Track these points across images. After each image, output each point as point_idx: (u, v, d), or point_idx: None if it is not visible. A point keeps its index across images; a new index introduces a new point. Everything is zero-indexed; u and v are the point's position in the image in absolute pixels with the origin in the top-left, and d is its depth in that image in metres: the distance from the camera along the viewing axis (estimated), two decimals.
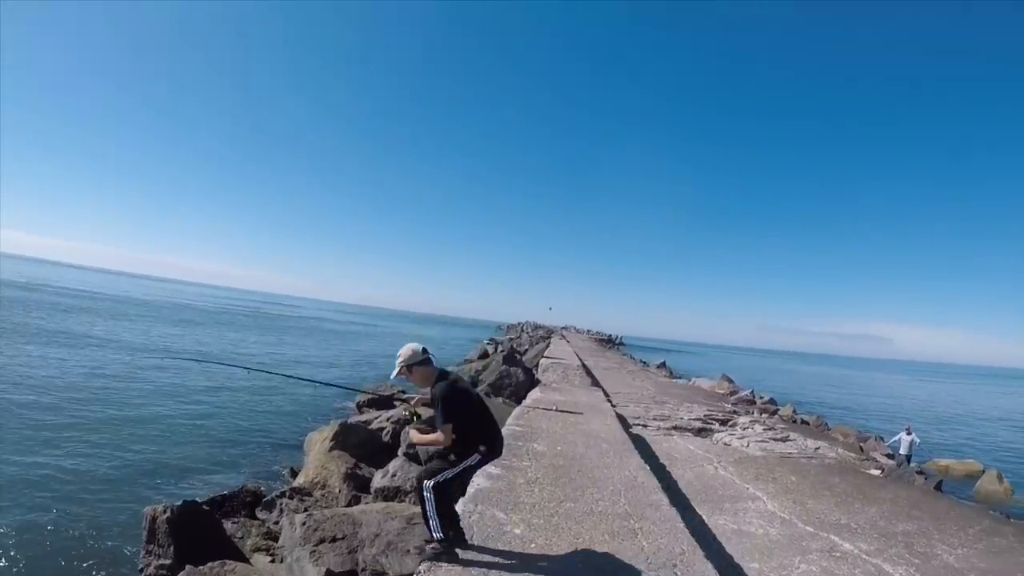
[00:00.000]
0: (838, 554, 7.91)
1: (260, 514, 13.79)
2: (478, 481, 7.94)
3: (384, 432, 18.57)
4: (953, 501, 12.61)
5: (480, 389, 21.61)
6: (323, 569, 9.24)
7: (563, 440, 11.17)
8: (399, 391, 31.41)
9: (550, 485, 8.11)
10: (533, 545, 5.86)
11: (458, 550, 5.56)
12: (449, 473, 5.48)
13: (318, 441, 17.33)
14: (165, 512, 9.87)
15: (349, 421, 20.68)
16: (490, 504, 6.99)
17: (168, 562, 9.59)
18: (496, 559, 5.47)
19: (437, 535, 5.52)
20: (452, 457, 5.55)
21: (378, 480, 14.53)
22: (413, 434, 5.93)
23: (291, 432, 24.21)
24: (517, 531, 6.19)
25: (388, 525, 10.12)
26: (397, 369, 5.86)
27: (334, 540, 10.05)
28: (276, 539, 11.53)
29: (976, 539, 8.96)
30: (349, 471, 14.92)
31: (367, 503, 13.27)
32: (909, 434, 22.92)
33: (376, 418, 21.89)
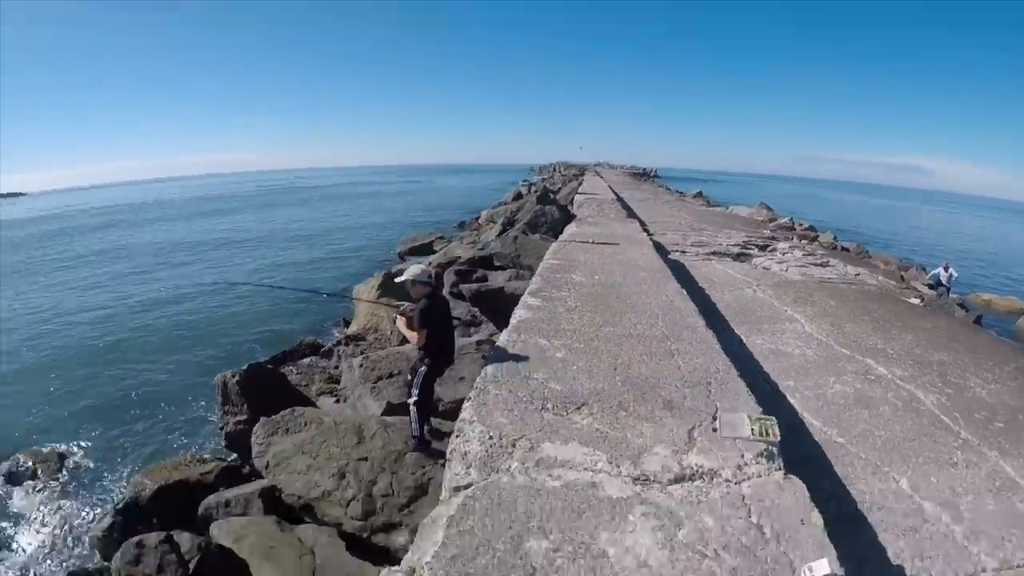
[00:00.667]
0: (872, 377, 7.98)
1: (321, 362, 14.64)
2: (520, 313, 8.28)
3: (427, 276, 19.23)
4: (992, 336, 12.29)
5: (517, 228, 21.93)
6: (383, 402, 9.95)
7: (601, 270, 11.38)
8: (438, 236, 32.05)
9: (589, 312, 8.36)
10: (575, 367, 6.17)
11: (432, 441, 7.55)
12: (415, 390, 7.27)
13: (365, 292, 18.02)
14: (234, 376, 10.58)
15: (392, 270, 21.40)
16: (532, 332, 7.26)
17: (244, 417, 10.27)
18: (540, 378, 5.83)
19: (415, 435, 7.44)
20: (419, 356, 7.21)
21: None
22: (399, 321, 7.38)
23: (338, 287, 25.06)
24: (559, 355, 6.49)
25: None
26: (405, 277, 7.22)
27: (391, 376, 10.74)
28: (338, 382, 12.32)
29: (1011, 376, 8.67)
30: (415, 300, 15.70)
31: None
32: (947, 270, 22.74)
33: (418, 264, 22.67)
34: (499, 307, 13.70)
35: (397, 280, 7.52)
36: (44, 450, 13.42)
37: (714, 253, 16.46)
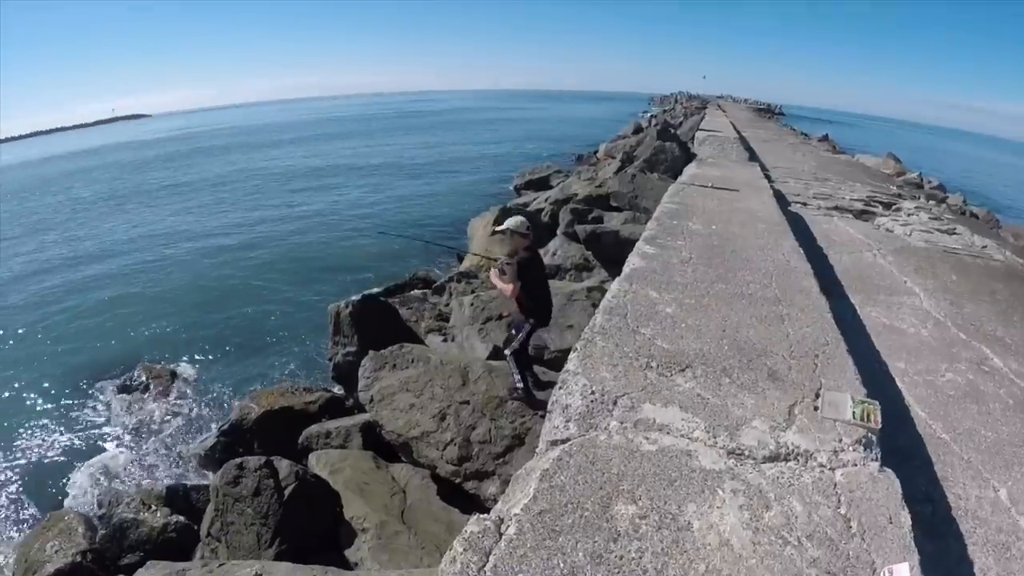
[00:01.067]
0: (987, 369, 7.39)
1: (432, 298, 15.01)
2: (633, 261, 8.14)
3: (543, 212, 19.10)
4: None
5: (635, 165, 21.56)
6: (490, 345, 10.23)
7: (718, 218, 11.07)
8: (555, 170, 31.78)
9: (703, 265, 8.17)
10: (683, 325, 6.08)
11: (535, 392, 7.74)
12: (516, 343, 7.50)
13: (480, 226, 18.25)
14: (347, 307, 11.00)
15: (508, 205, 21.51)
16: (644, 283, 7.16)
17: (353, 349, 10.71)
18: (648, 334, 5.79)
19: (519, 384, 7.64)
20: (513, 317, 7.66)
21: None
22: (492, 274, 7.61)
23: (453, 220, 25.53)
24: (668, 310, 6.39)
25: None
26: (504, 227, 7.38)
27: (500, 318, 10.98)
28: (447, 320, 12.63)
29: None
30: (511, 252, 15.75)
31: None
32: None
33: (534, 199, 22.55)
34: (612, 251, 13.68)
35: (496, 229, 7.81)
36: (157, 366, 14.47)
37: (836, 208, 15.71)
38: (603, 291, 11.22)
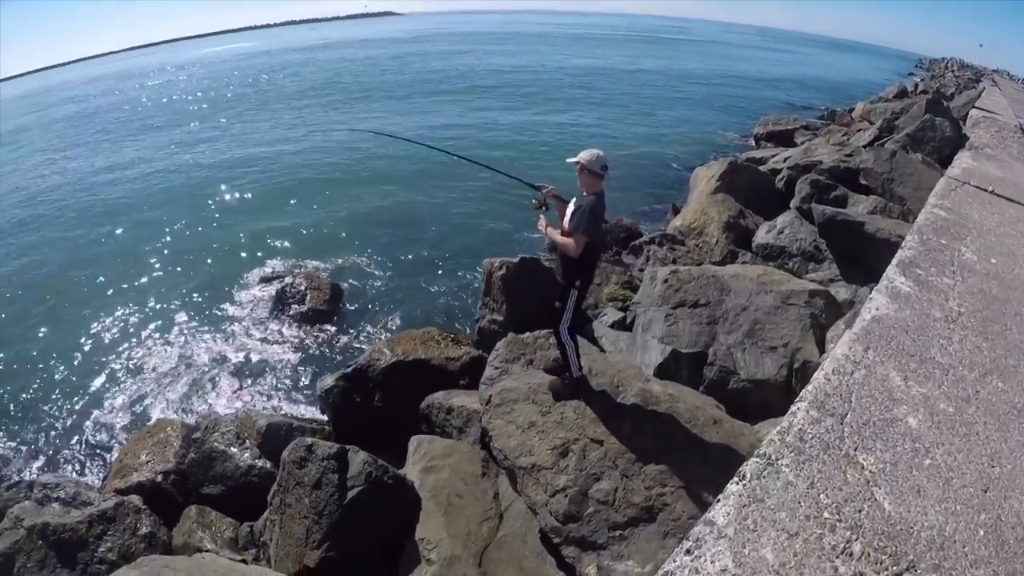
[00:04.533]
0: None
1: (627, 257, 12.58)
2: (878, 302, 5.51)
3: (779, 177, 15.73)
4: None
5: (896, 139, 17.52)
6: (669, 348, 7.84)
7: (999, 247, 7.84)
8: (802, 125, 27.15)
9: (974, 333, 5.31)
10: (928, 459, 3.61)
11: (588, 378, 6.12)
12: (570, 314, 5.68)
13: (703, 179, 15.20)
14: (500, 268, 9.05)
15: (740, 159, 18.15)
16: (886, 352, 4.63)
17: (499, 319, 8.95)
18: (868, 470, 3.42)
19: (576, 373, 5.91)
20: (564, 275, 5.63)
21: (762, 235, 12.45)
22: (550, 230, 5.67)
23: (681, 161, 22.10)
24: (912, 421, 3.90)
25: (760, 300, 8.23)
26: (576, 159, 5.46)
27: (695, 306, 8.47)
28: (635, 290, 10.27)
29: None
30: (731, 220, 12.90)
31: (744, 262, 11.39)
32: None
33: (772, 157, 18.97)
34: (851, 246, 10.74)
35: (568, 160, 5.50)
36: (322, 276, 13.32)
37: None
38: (828, 298, 8.54)
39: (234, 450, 7.59)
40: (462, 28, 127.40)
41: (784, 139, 24.84)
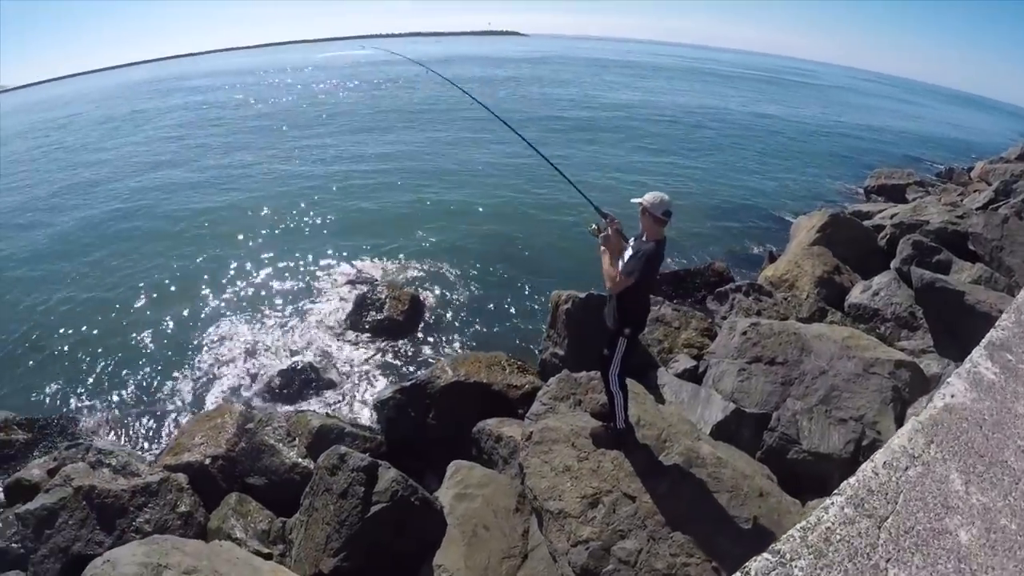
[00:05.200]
0: None
1: (711, 303, 12.06)
2: (955, 388, 4.89)
3: (882, 234, 14.80)
4: None
5: (1011, 204, 16.41)
6: (731, 406, 7.36)
7: None
8: (915, 181, 25.24)
9: None
10: None
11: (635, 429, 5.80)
12: (618, 363, 5.42)
13: (804, 229, 14.48)
14: (567, 302, 8.80)
15: (845, 211, 17.22)
16: (953, 447, 4.11)
17: (561, 353, 8.65)
18: None
19: (621, 423, 5.62)
20: (616, 321, 5.39)
21: (856, 294, 11.71)
22: (606, 256, 5.30)
23: (787, 208, 20.97)
24: (963, 536, 3.38)
25: (840, 365, 7.66)
26: (638, 200, 5.22)
27: (771, 363, 7.98)
28: (713, 338, 9.77)
29: None
30: (825, 275, 12.18)
31: (832, 322, 10.69)
32: None
33: (879, 212, 17.88)
34: (948, 317, 9.88)
35: (632, 200, 5.25)
36: (404, 287, 13.32)
37: None
38: (915, 370, 7.83)
39: (282, 446, 7.67)
40: (581, 54, 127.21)
41: (895, 194, 23.39)
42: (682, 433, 5.93)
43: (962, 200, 20.02)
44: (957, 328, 9.68)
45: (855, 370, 7.71)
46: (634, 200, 5.23)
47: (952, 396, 4.76)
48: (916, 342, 10.51)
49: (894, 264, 12.22)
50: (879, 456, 3.95)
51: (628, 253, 5.18)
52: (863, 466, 3.88)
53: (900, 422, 7.09)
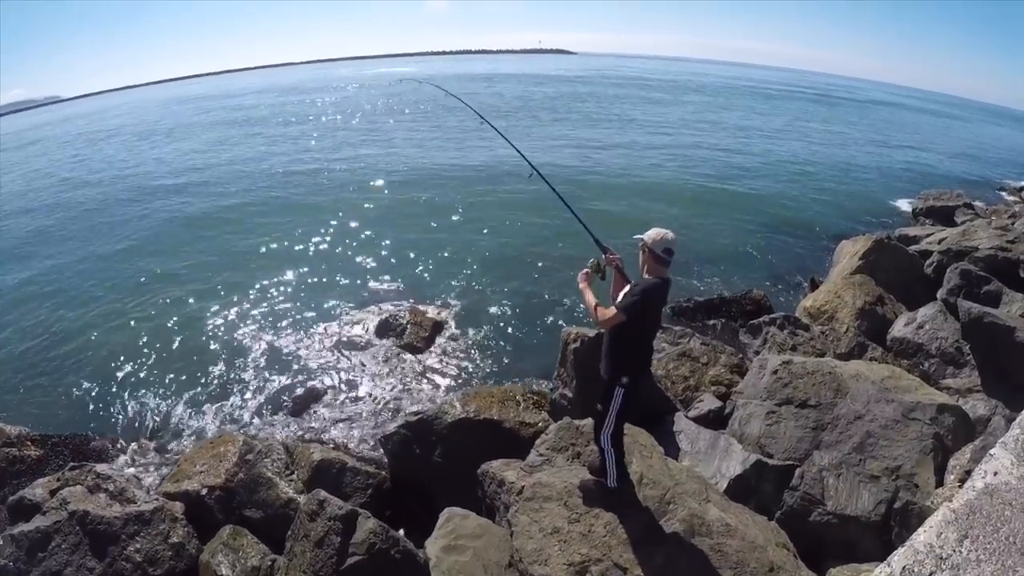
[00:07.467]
0: None
1: (743, 336, 11.30)
2: (999, 464, 3.85)
3: (928, 262, 13.75)
4: None
5: None
6: (753, 458, 6.64)
7: None
8: (965, 203, 23.44)
9: None
10: None
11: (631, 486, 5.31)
12: (613, 421, 4.92)
13: (847, 255, 13.54)
14: (575, 341, 8.11)
15: (892, 236, 16.16)
16: (991, 543, 3.22)
17: (569, 395, 8.05)
18: None
19: (613, 484, 5.18)
20: (610, 368, 4.86)
21: (899, 327, 10.82)
22: (588, 292, 4.95)
23: (831, 231, 19.63)
24: None
25: (878, 409, 6.96)
26: (640, 236, 4.81)
27: (803, 405, 7.25)
28: (743, 375, 9.03)
29: None
30: (867, 306, 11.30)
31: (872, 358, 9.81)
32: None
33: (927, 236, 16.70)
34: (997, 356, 9.06)
35: (634, 236, 4.83)
36: (427, 313, 12.89)
37: None
38: (959, 415, 7.09)
39: (279, 480, 7.25)
40: (627, 72, 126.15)
41: (944, 216, 21.92)
42: (688, 494, 5.29)
43: (1013, 224, 18.74)
44: (1008, 367, 8.86)
45: (893, 415, 6.98)
46: (636, 236, 4.77)
47: (995, 474, 3.79)
48: (962, 380, 9.67)
49: (940, 294, 11.34)
50: (898, 559, 3.17)
51: (626, 289, 4.74)
52: (877, 571, 3.16)
53: (940, 474, 6.43)
